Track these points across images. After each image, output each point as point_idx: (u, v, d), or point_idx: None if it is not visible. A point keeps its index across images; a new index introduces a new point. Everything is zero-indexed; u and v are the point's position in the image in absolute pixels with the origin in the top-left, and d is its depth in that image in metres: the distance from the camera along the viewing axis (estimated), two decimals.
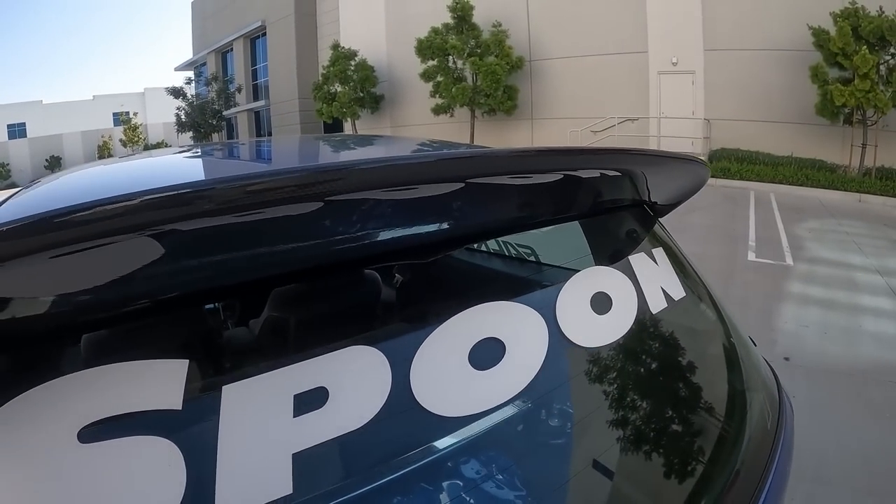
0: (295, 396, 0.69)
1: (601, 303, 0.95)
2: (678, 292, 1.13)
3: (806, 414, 3.35)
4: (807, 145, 15.65)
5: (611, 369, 0.96)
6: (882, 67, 13.20)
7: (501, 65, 18.63)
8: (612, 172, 0.98)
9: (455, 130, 21.16)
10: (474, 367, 0.79)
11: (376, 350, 0.75)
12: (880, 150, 14.15)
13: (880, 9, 12.98)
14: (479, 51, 19.03)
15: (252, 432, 0.67)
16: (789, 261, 7.55)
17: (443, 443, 0.76)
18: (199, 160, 1.64)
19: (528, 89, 20.36)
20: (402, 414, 0.75)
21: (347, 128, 26.33)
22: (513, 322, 0.86)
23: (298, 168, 0.65)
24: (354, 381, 0.73)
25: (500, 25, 19.15)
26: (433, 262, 0.85)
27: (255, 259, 0.70)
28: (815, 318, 5.52)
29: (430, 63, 20.00)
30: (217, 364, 0.75)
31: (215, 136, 34.25)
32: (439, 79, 19.89)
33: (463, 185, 0.69)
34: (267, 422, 0.68)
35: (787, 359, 4.51)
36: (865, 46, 12.79)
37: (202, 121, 32.17)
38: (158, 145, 49.86)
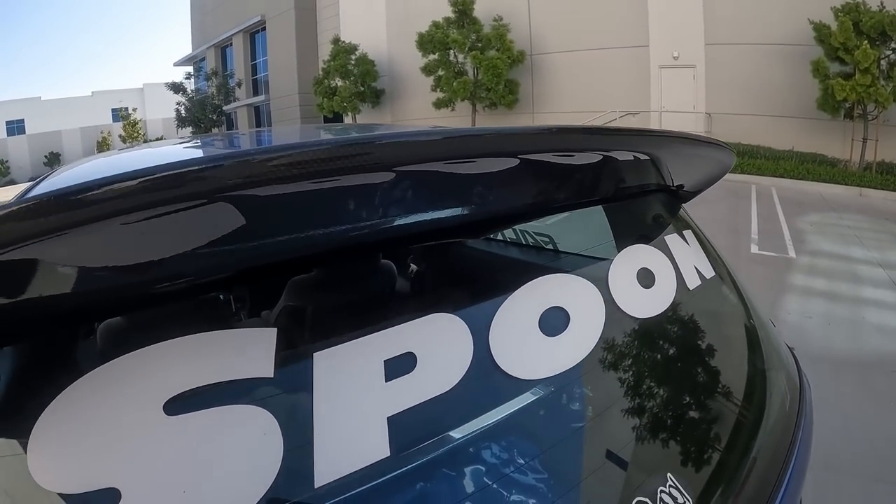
0: (385, 362, 0.71)
1: (646, 277, 1.00)
2: (708, 272, 1.19)
3: (815, 405, 3.42)
4: (808, 140, 15.70)
5: (657, 339, 1.02)
6: (883, 62, 13.20)
7: (503, 59, 18.66)
8: (643, 155, 1.02)
9: (456, 124, 21.21)
10: (544, 333, 0.84)
11: (457, 317, 0.78)
12: (881, 145, 14.14)
13: (881, 3, 12.99)
14: (480, 45, 19.05)
15: (346, 398, 0.69)
16: (792, 253, 7.59)
17: (521, 402, 0.80)
18: (223, 143, 1.69)
19: (529, 83, 20.40)
20: (485, 376, 0.78)
21: (348, 122, 26.35)
22: (573, 292, 0.91)
23: (384, 135, 0.67)
24: (440, 346, 0.76)
25: (501, 19, 19.17)
26: (494, 238, 0.92)
27: (341, 231, 0.72)
28: (819, 310, 5.57)
29: (432, 57, 20.03)
30: (306, 332, 0.77)
31: (216, 132, 34.19)
32: (440, 73, 19.94)
33: (518, 161, 0.72)
34: (360, 387, 0.70)
35: (791, 349, 4.55)
36: (866, 41, 12.78)
37: (202, 116, 32.09)
38: (159, 140, 49.69)
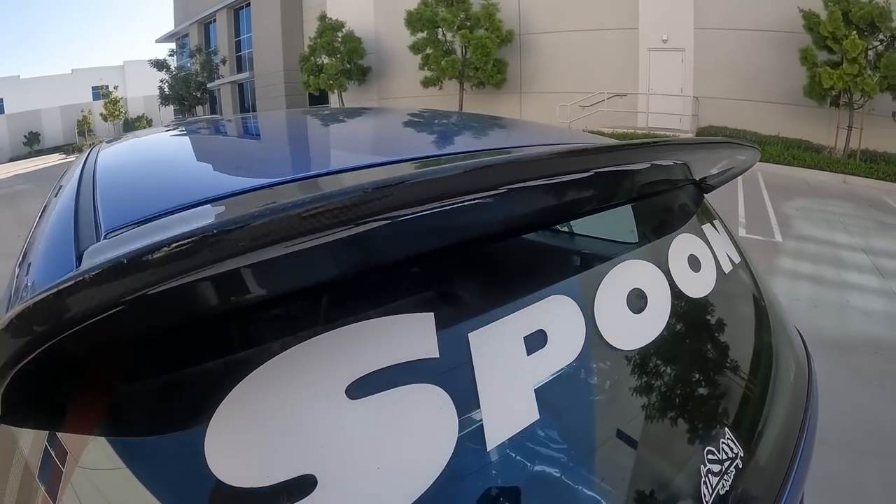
0: (524, 338, 0.82)
1: (694, 263, 1.16)
2: (736, 258, 1.36)
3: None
4: (794, 126, 15.84)
5: (709, 315, 1.18)
6: (870, 52, 13.33)
7: (492, 38, 18.52)
8: (683, 160, 1.14)
9: (443, 103, 21.08)
10: (630, 310, 0.99)
11: (570, 298, 0.92)
12: (865, 133, 14.31)
13: None
14: (469, 24, 18.86)
15: (501, 371, 0.79)
16: (778, 237, 7.69)
17: (624, 368, 0.96)
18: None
19: (518, 63, 20.30)
20: (596, 347, 0.91)
21: (333, 99, 26.13)
22: (647, 276, 1.07)
23: (514, 159, 0.77)
24: (562, 323, 0.88)
25: None
26: (580, 233, 1.11)
27: (480, 229, 0.85)
28: (806, 293, 5.65)
29: (420, 35, 19.85)
30: (458, 314, 0.85)
31: (199, 109, 33.74)
32: (429, 51, 19.79)
33: (592, 174, 0.84)
34: (509, 361, 0.80)
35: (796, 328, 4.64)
36: (855, 31, 12.91)
37: (186, 93, 31.66)
38: (139, 119, 48.86)
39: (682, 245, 1.16)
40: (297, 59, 25.58)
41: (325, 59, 23.46)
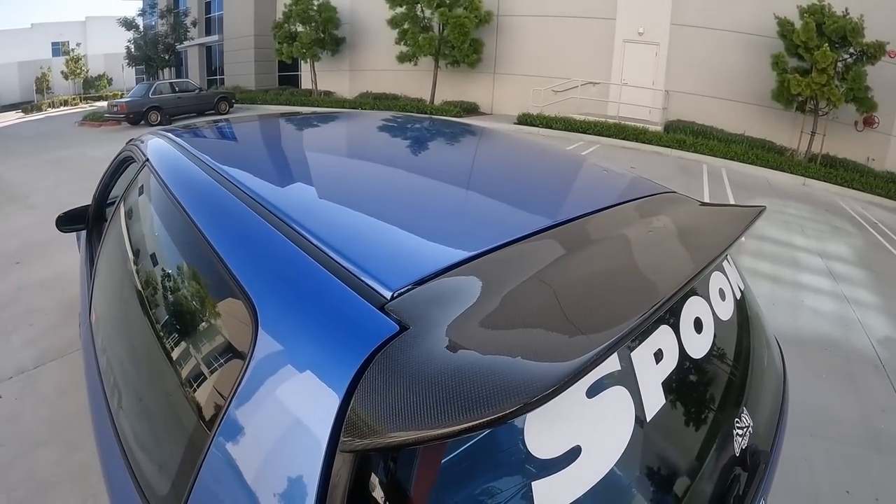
0: (653, 353, 1.15)
1: (722, 295, 1.51)
2: (742, 286, 1.72)
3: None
4: (759, 126, 16.32)
5: (731, 333, 1.52)
6: (840, 65, 13.74)
7: (470, 17, 18.47)
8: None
9: (417, 79, 21.19)
10: (696, 332, 1.30)
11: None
12: (828, 140, 14.90)
13: (846, 10, 13.46)
14: (448, 2, 18.75)
15: (647, 375, 1.10)
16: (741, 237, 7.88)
17: (696, 371, 1.28)
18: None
19: (494, 44, 20.32)
20: (682, 357, 1.23)
21: (305, 69, 25.75)
22: (700, 308, 1.34)
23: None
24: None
25: None
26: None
27: None
28: (765, 290, 5.86)
29: (399, 10, 19.65)
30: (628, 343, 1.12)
31: (166, 72, 32.73)
32: (406, 27, 19.62)
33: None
34: (649, 369, 1.11)
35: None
36: (827, 43, 13.29)
37: (154, 54, 30.65)
38: (100, 78, 47.23)
39: (717, 280, 1.47)
40: (270, 25, 25.07)
41: (300, 28, 23.04)
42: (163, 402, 1.28)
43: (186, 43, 33.04)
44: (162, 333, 1.34)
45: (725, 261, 1.57)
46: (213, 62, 35.33)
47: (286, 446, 0.81)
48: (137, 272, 1.64)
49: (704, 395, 1.25)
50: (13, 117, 31.50)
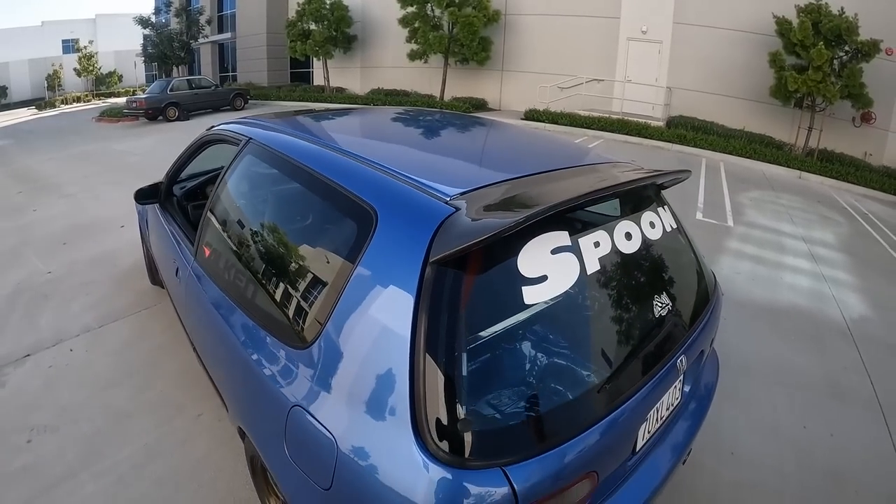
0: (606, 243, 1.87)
1: (653, 224, 2.13)
2: (674, 224, 2.33)
3: (735, 332, 4.59)
4: (759, 122, 16.61)
5: (664, 250, 2.15)
6: (836, 62, 14.04)
7: (478, 16, 18.93)
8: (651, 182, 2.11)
9: (428, 76, 21.64)
10: (626, 239, 1.97)
11: (606, 232, 1.89)
12: (824, 135, 15.20)
13: (841, 9, 13.78)
14: (457, 1, 19.22)
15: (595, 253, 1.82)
16: (730, 222, 8.42)
17: (626, 264, 1.93)
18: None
19: (502, 42, 20.75)
20: (614, 253, 1.90)
21: (316, 66, 26.23)
22: (631, 228, 1.98)
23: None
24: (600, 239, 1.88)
25: None
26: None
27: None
28: (746, 268, 6.41)
29: (410, 9, 20.13)
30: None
31: (179, 69, 33.14)
32: (417, 25, 20.09)
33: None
34: (605, 252, 1.84)
35: (722, 294, 5.36)
36: (823, 42, 13.58)
37: (170, 52, 31.07)
38: (111, 75, 47.58)
39: (650, 215, 2.14)
40: (282, 22, 25.50)
41: (313, 26, 23.54)
42: (290, 274, 1.99)
43: (200, 40, 33.49)
44: (297, 238, 2.11)
45: (661, 207, 2.26)
46: (225, 59, 35.78)
47: (393, 270, 1.52)
48: (264, 207, 2.43)
49: (630, 273, 1.91)
50: (27, 114, 31.63)
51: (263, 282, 2.09)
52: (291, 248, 2.07)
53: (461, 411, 1.34)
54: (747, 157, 14.50)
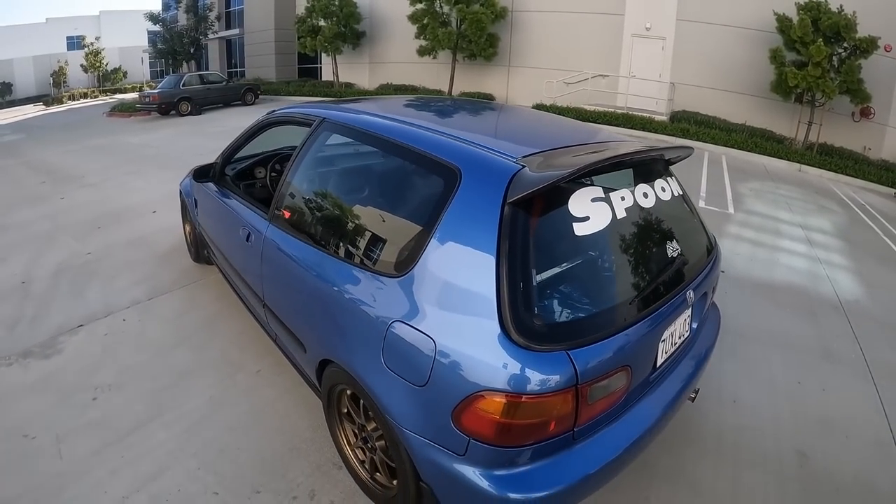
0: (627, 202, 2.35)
1: (663, 188, 2.58)
2: (680, 191, 2.77)
3: (734, 305, 5.01)
4: (760, 116, 16.99)
5: (667, 207, 2.57)
6: (834, 59, 14.39)
7: (486, 13, 19.30)
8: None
9: (436, 71, 22.01)
10: (644, 196, 2.46)
11: (629, 191, 2.41)
12: (824, 129, 15.57)
13: (840, 7, 14.13)
14: None
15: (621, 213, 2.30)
16: (731, 210, 8.85)
17: (644, 218, 2.43)
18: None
19: (508, 38, 21.09)
20: (635, 208, 2.36)
21: (325, 61, 26.53)
22: (647, 189, 2.46)
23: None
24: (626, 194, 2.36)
25: None
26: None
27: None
28: (745, 250, 6.84)
29: (419, 6, 20.48)
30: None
31: (187, 65, 33.34)
32: (426, 22, 20.42)
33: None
34: (629, 206, 2.33)
35: (723, 271, 5.77)
36: (822, 39, 13.94)
37: (180, 48, 31.31)
38: (116, 72, 47.75)
39: (661, 182, 2.58)
40: (289, 18, 25.89)
41: (322, 22, 23.88)
42: (384, 221, 2.49)
43: (210, 36, 33.71)
44: (386, 194, 2.65)
45: (670, 178, 2.71)
46: (232, 55, 36.06)
47: (478, 211, 1.96)
48: (350, 171, 3.01)
49: (648, 222, 2.38)
50: (34, 110, 31.91)
51: (357, 231, 2.56)
52: (382, 202, 2.57)
53: (535, 309, 1.81)
54: (748, 151, 14.86)
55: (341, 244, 2.57)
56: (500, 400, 1.73)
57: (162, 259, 5.59)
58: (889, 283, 6.36)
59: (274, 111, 3.71)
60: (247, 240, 3.28)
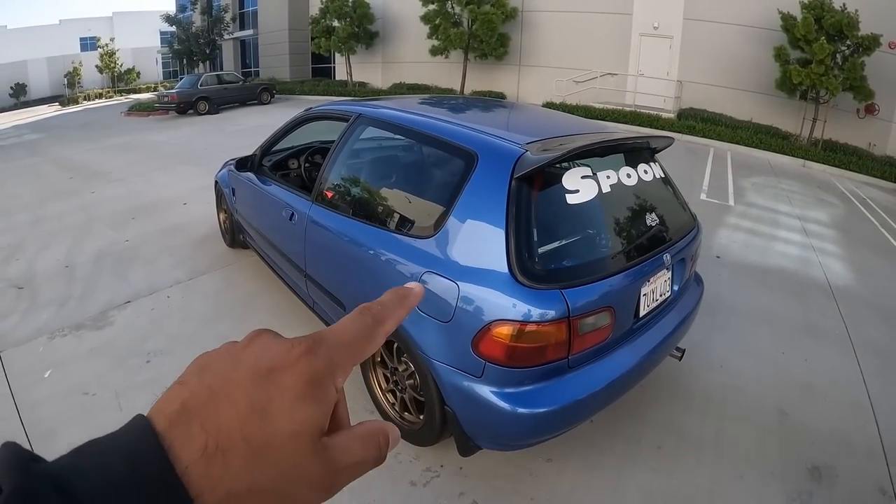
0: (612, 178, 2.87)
1: (646, 171, 3.08)
2: (662, 174, 3.26)
3: (727, 285, 5.43)
4: (765, 113, 17.25)
5: (650, 186, 3.07)
6: (838, 56, 14.64)
7: (497, 14, 19.71)
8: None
9: (446, 70, 22.40)
10: (629, 177, 2.96)
11: (614, 171, 2.89)
12: (829, 126, 15.78)
13: (843, 5, 14.41)
14: None
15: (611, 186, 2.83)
16: (732, 202, 9.23)
17: (630, 192, 2.98)
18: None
19: (519, 38, 21.47)
20: (621, 185, 2.90)
21: (338, 61, 26.98)
22: (632, 170, 2.95)
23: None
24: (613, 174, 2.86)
25: None
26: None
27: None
28: (742, 238, 7.25)
29: (431, 7, 20.89)
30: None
31: (202, 65, 33.78)
32: (438, 22, 20.83)
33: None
34: (620, 186, 2.87)
35: (718, 257, 6.22)
36: (825, 37, 14.23)
37: (196, 49, 31.76)
38: (129, 72, 47.96)
39: (644, 166, 3.03)
40: (303, 18, 26.33)
41: (336, 23, 24.34)
42: (415, 194, 3.06)
43: (225, 37, 34.09)
44: (416, 174, 3.26)
45: (653, 163, 3.17)
46: (247, 55, 36.54)
47: (492, 184, 2.44)
48: (384, 157, 3.56)
49: (629, 196, 2.86)
50: (50, 110, 32.45)
51: (392, 204, 3.12)
52: (413, 180, 3.19)
53: (535, 258, 2.32)
54: (754, 147, 15.15)
55: (380, 215, 3.08)
56: (509, 328, 2.22)
57: (197, 245, 6.04)
58: (880, 270, 6.69)
59: (311, 108, 4.21)
60: (290, 219, 3.72)
